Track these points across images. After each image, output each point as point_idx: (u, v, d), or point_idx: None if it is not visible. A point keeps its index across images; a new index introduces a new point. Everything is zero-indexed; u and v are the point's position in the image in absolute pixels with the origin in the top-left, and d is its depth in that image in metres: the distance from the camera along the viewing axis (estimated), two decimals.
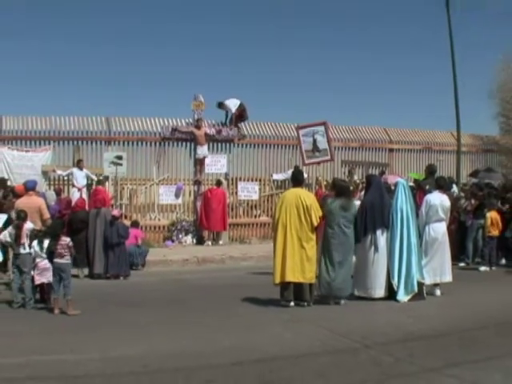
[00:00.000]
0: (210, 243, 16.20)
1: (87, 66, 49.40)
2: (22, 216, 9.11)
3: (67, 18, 49.87)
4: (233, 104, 17.36)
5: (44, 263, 8.75)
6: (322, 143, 15.77)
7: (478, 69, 42.41)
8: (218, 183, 16.50)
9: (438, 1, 19.63)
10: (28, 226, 9.01)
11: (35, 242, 8.75)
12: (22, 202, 10.04)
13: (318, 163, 16.39)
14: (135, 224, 13.95)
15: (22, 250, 8.83)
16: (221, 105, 17.60)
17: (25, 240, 8.82)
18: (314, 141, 15.71)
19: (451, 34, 19.27)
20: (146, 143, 17.25)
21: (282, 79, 51.67)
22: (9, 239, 8.88)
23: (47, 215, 9.93)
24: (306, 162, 15.98)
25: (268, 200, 17.78)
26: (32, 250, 8.74)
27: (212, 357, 6.17)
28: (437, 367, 5.72)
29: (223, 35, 51.85)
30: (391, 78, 50.94)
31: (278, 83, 49.98)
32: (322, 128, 15.98)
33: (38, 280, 8.75)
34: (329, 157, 16.07)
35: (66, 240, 8.73)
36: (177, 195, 16.82)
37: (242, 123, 17.83)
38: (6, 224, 9.76)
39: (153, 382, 5.42)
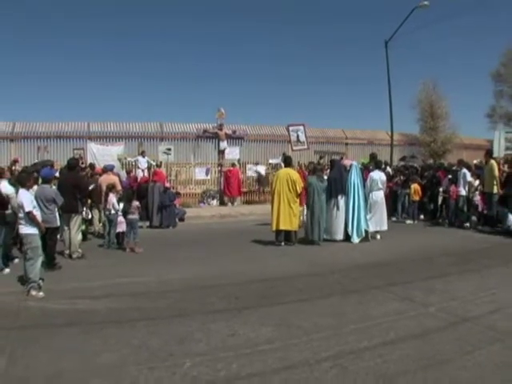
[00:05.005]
0: (230, 204, 16.14)
1: (149, 87, 48.88)
2: (109, 188, 9.02)
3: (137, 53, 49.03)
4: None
5: (120, 218, 8.71)
6: (302, 137, 15.73)
7: (406, 89, 42.08)
8: (233, 165, 16.46)
9: (379, 40, 19.21)
10: (112, 196, 8.91)
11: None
12: (102, 179, 9.91)
13: (300, 150, 16.28)
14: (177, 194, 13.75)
15: (112, 211, 8.76)
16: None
17: (112, 204, 8.73)
18: (297, 135, 15.64)
19: (388, 64, 18.83)
20: (187, 139, 17.10)
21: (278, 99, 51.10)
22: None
23: (119, 187, 9.76)
24: (294, 148, 15.89)
25: (266, 176, 17.63)
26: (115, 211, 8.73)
27: (230, 278, 6.19)
28: (379, 286, 5.72)
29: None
30: (348, 97, 50.03)
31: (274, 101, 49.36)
32: (301, 127, 15.91)
33: (117, 230, 8.72)
34: (306, 147, 16.03)
35: (136, 203, 8.71)
36: (206, 173, 16.85)
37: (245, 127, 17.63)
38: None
39: (194, 296, 5.39)
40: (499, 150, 14.70)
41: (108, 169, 10.45)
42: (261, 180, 16.96)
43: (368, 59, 42.75)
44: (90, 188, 9.34)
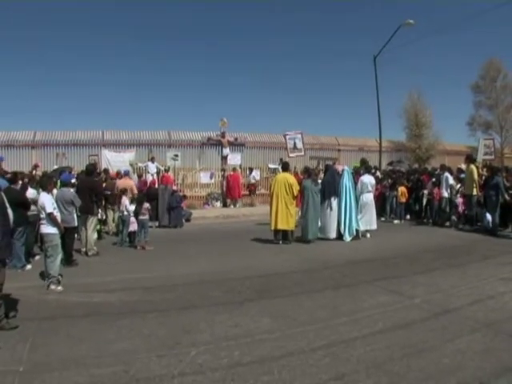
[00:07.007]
0: (232, 206, 16.06)
1: (158, 98, 48.95)
2: (122, 191, 9.04)
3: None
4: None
5: (132, 219, 8.72)
6: (299, 144, 15.66)
7: (394, 99, 42.23)
8: (234, 170, 16.37)
9: (368, 57, 19.20)
10: (125, 198, 8.92)
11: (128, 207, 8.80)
12: (120, 183, 9.95)
13: (296, 156, 16.29)
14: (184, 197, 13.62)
15: (125, 212, 8.77)
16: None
17: (125, 206, 8.76)
18: (294, 143, 15.58)
19: (376, 77, 18.80)
20: (192, 146, 17.07)
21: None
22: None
23: (135, 191, 9.84)
24: (290, 155, 15.84)
25: (265, 180, 17.60)
26: (127, 212, 8.75)
27: (232, 273, 6.18)
28: (369, 280, 5.71)
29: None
30: (340, 110, 49.90)
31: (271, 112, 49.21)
32: (299, 135, 15.87)
33: (129, 229, 8.72)
34: (302, 153, 16.00)
35: (146, 205, 8.71)
36: (211, 177, 16.77)
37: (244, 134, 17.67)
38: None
39: (199, 289, 5.38)
40: (479, 156, 14.77)
41: (125, 173, 10.48)
42: (253, 185, 16.85)
43: (359, 72, 42.78)
44: (108, 193, 9.39)
